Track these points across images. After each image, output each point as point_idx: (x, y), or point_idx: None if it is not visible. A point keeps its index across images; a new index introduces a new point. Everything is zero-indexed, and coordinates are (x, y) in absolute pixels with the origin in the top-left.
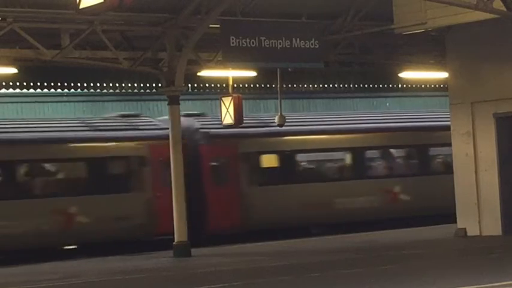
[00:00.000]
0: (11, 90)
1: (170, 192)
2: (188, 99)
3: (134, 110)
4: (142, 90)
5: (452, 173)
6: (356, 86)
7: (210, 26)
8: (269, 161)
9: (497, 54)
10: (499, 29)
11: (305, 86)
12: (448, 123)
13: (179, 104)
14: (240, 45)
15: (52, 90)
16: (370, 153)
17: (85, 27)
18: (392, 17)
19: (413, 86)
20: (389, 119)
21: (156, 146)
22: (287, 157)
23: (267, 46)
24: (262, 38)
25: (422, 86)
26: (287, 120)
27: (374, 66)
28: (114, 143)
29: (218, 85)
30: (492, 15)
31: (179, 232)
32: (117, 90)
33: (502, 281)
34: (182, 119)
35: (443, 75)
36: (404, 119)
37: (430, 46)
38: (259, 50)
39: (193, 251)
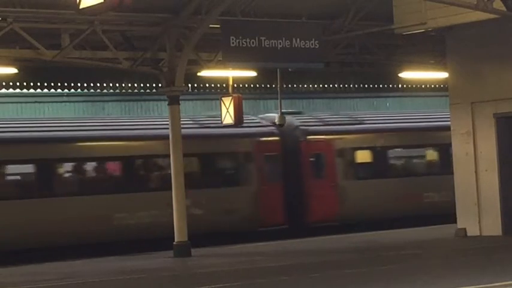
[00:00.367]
0: (11, 90)
1: (274, 186)
2: (188, 99)
3: (134, 110)
4: (142, 90)
5: None
6: (356, 86)
7: (210, 26)
8: (363, 156)
9: (497, 54)
10: (499, 29)
11: (305, 86)
12: None
13: (179, 104)
14: (240, 45)
15: (52, 90)
16: None
17: (85, 27)
18: (393, 17)
19: (414, 86)
20: None
21: (260, 142)
22: (379, 153)
23: (267, 46)
24: (262, 38)
25: (423, 86)
26: (378, 118)
27: (374, 66)
28: (223, 140)
29: (218, 85)
30: (492, 15)
31: (179, 232)
32: (117, 90)
33: (502, 281)
34: (282, 117)
35: (443, 75)
36: None
37: (430, 46)
38: (259, 50)
39: (193, 251)
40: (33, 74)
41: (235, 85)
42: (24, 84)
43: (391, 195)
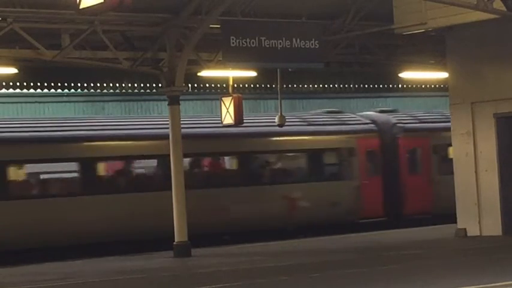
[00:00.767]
0: (11, 90)
1: (374, 180)
2: (188, 99)
3: (134, 111)
4: (142, 90)
5: None
6: (356, 86)
7: (210, 26)
8: None
9: (497, 54)
10: (499, 29)
11: (305, 86)
12: None
13: (179, 104)
14: (240, 45)
15: (52, 90)
16: None
17: (85, 28)
18: (393, 17)
19: (414, 86)
20: None
21: (362, 138)
22: None
23: (267, 46)
24: (263, 38)
25: (423, 86)
26: None
27: (374, 66)
28: (329, 137)
29: (218, 85)
30: (492, 16)
31: (179, 232)
32: (117, 90)
33: (502, 281)
34: (379, 114)
35: (443, 75)
36: None
37: (430, 46)
38: (260, 50)
39: (194, 251)
40: (33, 74)
41: (235, 85)
42: (24, 84)
43: None
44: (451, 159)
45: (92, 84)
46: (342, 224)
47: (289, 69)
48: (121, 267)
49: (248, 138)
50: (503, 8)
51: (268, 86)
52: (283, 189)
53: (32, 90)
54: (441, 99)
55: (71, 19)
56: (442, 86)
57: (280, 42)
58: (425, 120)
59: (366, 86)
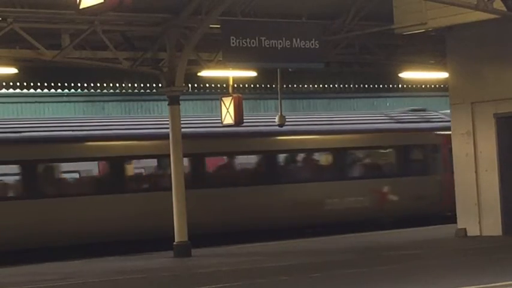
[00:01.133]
0: (11, 90)
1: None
2: (188, 100)
3: (134, 110)
4: (142, 90)
5: None
6: (356, 86)
7: (211, 26)
8: None
9: (497, 54)
10: (499, 29)
11: (305, 86)
12: None
13: (179, 104)
14: (240, 45)
15: (52, 90)
16: None
17: (85, 28)
18: (393, 17)
19: (414, 86)
20: None
21: (444, 136)
22: None
23: (267, 46)
24: (263, 38)
25: (423, 86)
26: None
27: (374, 66)
28: (415, 133)
29: (218, 85)
30: (492, 16)
31: (179, 232)
32: (117, 90)
33: (502, 281)
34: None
35: (443, 75)
36: None
37: (430, 46)
38: (260, 50)
39: (194, 251)
40: (33, 74)
41: (235, 85)
42: (24, 84)
43: None
44: None
45: (92, 84)
46: (426, 217)
47: (289, 69)
48: (121, 267)
49: (348, 135)
50: (503, 8)
51: (268, 86)
52: (373, 184)
53: (32, 90)
54: (441, 99)
55: (71, 19)
56: (442, 86)
57: (280, 42)
58: None
59: (366, 86)
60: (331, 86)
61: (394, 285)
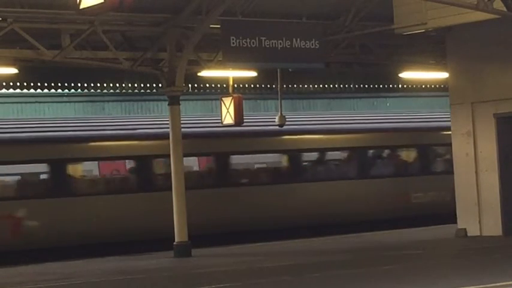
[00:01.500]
0: (11, 90)
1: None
2: (189, 100)
3: (134, 111)
4: (142, 91)
5: None
6: (356, 86)
7: (211, 26)
8: None
9: (497, 54)
10: (500, 29)
11: (305, 86)
12: None
13: (179, 104)
14: (241, 45)
15: (52, 90)
16: None
17: (85, 28)
18: (393, 17)
19: (414, 86)
20: None
21: None
22: None
23: (268, 46)
24: (263, 38)
25: (423, 86)
26: None
27: (374, 67)
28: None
29: (218, 85)
30: (492, 16)
31: (179, 232)
32: (117, 90)
33: (503, 281)
34: None
35: (443, 75)
36: None
37: (431, 46)
38: (260, 50)
39: (194, 251)
40: (33, 74)
41: (235, 85)
42: (24, 84)
43: None
44: None
45: (92, 84)
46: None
47: (290, 70)
48: (121, 267)
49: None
50: (503, 8)
51: (268, 86)
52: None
53: (32, 90)
54: (441, 99)
55: (71, 19)
56: (442, 86)
57: (280, 43)
58: None
59: (366, 86)
60: (331, 86)
61: (394, 285)
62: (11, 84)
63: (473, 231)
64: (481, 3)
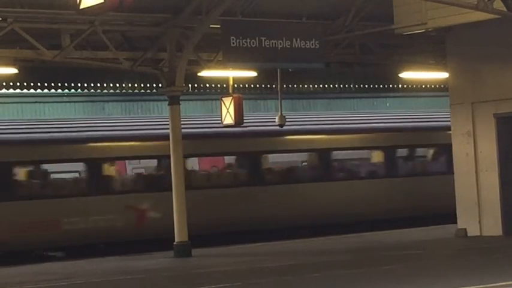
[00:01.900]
0: (11, 90)
1: None
2: (188, 100)
3: (134, 111)
4: (142, 91)
5: None
6: (356, 86)
7: (211, 26)
8: None
9: (497, 54)
10: (500, 30)
11: (305, 86)
12: None
13: (179, 104)
14: (241, 45)
15: (52, 90)
16: None
17: (85, 28)
18: (393, 17)
19: (414, 86)
20: None
21: None
22: None
23: (268, 46)
24: (263, 38)
25: (423, 86)
26: None
27: (374, 67)
28: None
29: (219, 85)
30: (492, 16)
31: (179, 232)
32: (117, 90)
33: (503, 281)
34: None
35: (443, 75)
36: None
37: (431, 46)
38: (260, 50)
39: (194, 251)
40: (33, 74)
41: (235, 85)
42: (24, 84)
43: None
44: None
45: (92, 84)
46: None
47: (290, 70)
48: (121, 267)
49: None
50: (503, 8)
51: (268, 86)
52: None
53: (32, 90)
54: (441, 99)
55: (71, 19)
56: (442, 86)
57: (280, 42)
58: None
59: (366, 86)
60: (331, 86)
61: (394, 285)
62: (11, 84)
63: (473, 231)
64: (481, 3)
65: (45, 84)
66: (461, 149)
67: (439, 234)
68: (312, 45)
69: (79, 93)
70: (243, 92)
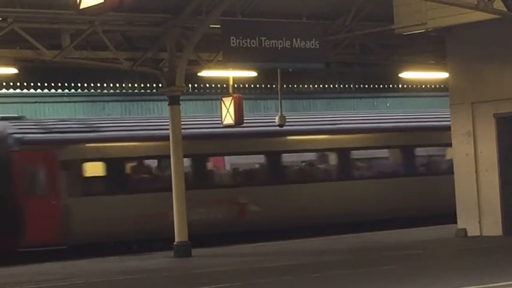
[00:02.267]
0: (11, 90)
1: None
2: (189, 100)
3: (134, 111)
4: (142, 90)
5: None
6: (356, 86)
7: (211, 26)
8: None
9: (497, 54)
10: (499, 30)
11: (305, 86)
12: None
13: (180, 104)
14: (241, 45)
15: (52, 90)
16: None
17: (85, 28)
18: (393, 17)
19: (414, 86)
20: None
21: None
22: None
23: (268, 46)
24: (263, 38)
25: (423, 86)
26: None
27: (374, 67)
28: None
29: (219, 85)
30: (492, 16)
31: (179, 232)
32: (118, 90)
33: (503, 281)
34: None
35: (443, 75)
36: None
37: (431, 46)
38: (260, 50)
39: (194, 251)
40: (33, 74)
41: (235, 85)
42: (24, 84)
43: None
44: None
45: (92, 84)
46: None
47: (290, 70)
48: (121, 267)
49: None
50: (503, 8)
51: (269, 86)
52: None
53: (32, 90)
54: (441, 99)
55: (71, 19)
56: (442, 86)
57: (280, 43)
58: None
59: (366, 86)
60: (331, 86)
61: (394, 285)
62: (11, 84)
63: (473, 231)
64: (481, 3)
65: (45, 84)
66: (461, 149)
67: (439, 234)
68: (312, 45)
69: (79, 93)
70: (243, 92)
